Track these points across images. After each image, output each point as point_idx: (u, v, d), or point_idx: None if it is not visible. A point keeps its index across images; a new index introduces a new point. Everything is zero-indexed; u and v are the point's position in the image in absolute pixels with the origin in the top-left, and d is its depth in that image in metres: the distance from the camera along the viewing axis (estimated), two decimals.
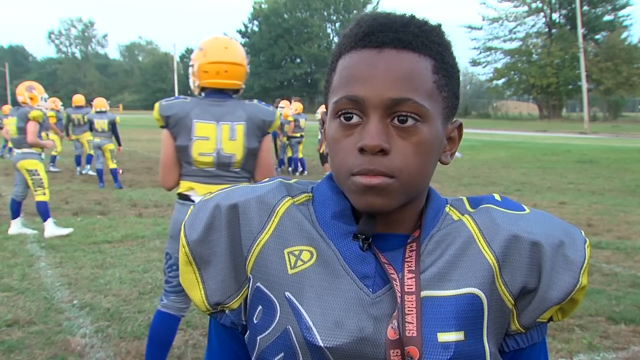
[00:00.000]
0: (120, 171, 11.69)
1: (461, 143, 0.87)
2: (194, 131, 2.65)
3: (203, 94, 2.78)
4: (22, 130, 6.73)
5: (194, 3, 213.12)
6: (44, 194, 6.79)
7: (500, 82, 56.91)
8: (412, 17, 0.78)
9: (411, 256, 0.77)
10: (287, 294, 0.77)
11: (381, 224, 0.79)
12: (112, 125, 11.02)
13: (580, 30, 38.77)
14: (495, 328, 0.78)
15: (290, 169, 13.76)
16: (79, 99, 13.02)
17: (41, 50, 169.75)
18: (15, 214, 6.91)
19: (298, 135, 13.25)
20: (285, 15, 72.30)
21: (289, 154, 13.81)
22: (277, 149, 13.89)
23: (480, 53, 57.55)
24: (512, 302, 0.78)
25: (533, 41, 55.67)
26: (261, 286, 0.79)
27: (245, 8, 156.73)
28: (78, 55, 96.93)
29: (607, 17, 54.79)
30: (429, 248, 0.79)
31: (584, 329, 4.05)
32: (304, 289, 0.77)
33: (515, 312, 0.79)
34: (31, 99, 7.02)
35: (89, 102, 13.42)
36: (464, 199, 0.85)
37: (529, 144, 23.51)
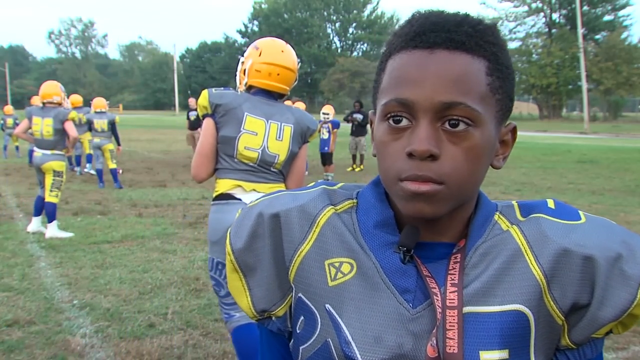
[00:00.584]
0: (120, 171, 11.69)
1: None
2: (244, 124, 2.59)
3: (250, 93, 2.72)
4: (58, 132, 6.74)
5: (194, 3, 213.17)
6: (57, 196, 6.83)
7: None
8: (466, 15, 0.74)
9: (455, 268, 0.74)
10: (328, 306, 0.76)
11: (427, 231, 0.76)
12: (112, 125, 11.02)
13: (580, 30, 38.80)
14: (544, 344, 0.75)
15: None
16: (77, 99, 13.02)
17: (41, 50, 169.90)
18: (39, 211, 6.92)
19: None
20: (285, 15, 72.30)
21: None
22: None
23: None
24: (562, 318, 0.74)
25: (533, 41, 55.71)
26: (302, 297, 0.79)
27: (245, 8, 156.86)
28: (78, 55, 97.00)
29: (607, 17, 54.85)
30: (473, 260, 0.75)
31: None
32: (343, 302, 0.76)
33: (566, 327, 0.75)
34: (64, 99, 7.02)
35: (87, 102, 13.42)
36: (515, 205, 0.81)
37: (529, 144, 23.51)
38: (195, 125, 15.44)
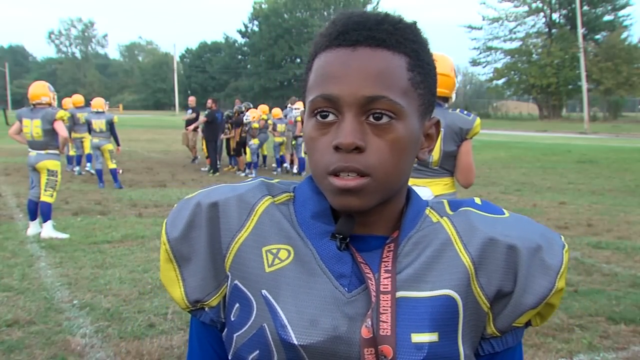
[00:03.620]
0: (120, 171, 11.69)
1: None
2: None
3: None
4: (47, 132, 6.73)
5: (194, 3, 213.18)
6: (52, 195, 6.81)
7: (500, 82, 56.88)
8: (386, 15, 0.78)
9: (388, 256, 0.77)
10: (264, 291, 0.77)
11: (360, 225, 0.79)
12: (110, 126, 11.00)
13: (580, 30, 38.78)
14: (470, 331, 0.78)
15: (284, 167, 13.83)
16: (78, 99, 13.05)
17: (41, 50, 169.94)
18: (34, 215, 6.90)
19: (301, 134, 13.28)
20: (285, 15, 72.31)
21: (281, 152, 13.89)
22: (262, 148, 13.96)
23: (480, 53, 57.47)
24: (488, 305, 0.78)
25: (533, 41, 55.65)
26: (239, 284, 0.79)
27: (245, 8, 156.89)
28: (78, 55, 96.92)
29: (607, 17, 54.76)
30: (406, 249, 0.79)
31: (584, 329, 4.05)
32: (280, 287, 0.77)
33: (490, 315, 0.79)
34: (53, 99, 7.01)
35: (88, 102, 13.42)
36: (445, 201, 0.85)
37: (529, 144, 23.51)
38: (190, 124, 15.45)
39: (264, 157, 14.97)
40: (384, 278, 0.75)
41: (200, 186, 11.16)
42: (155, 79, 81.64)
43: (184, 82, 75.44)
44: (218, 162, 13.57)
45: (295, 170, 13.72)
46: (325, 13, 75.68)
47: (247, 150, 13.38)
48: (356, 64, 0.73)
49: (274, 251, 0.79)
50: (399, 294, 0.75)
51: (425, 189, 3.39)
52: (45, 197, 6.76)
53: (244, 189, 0.83)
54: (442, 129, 2.98)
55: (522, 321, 0.80)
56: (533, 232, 0.79)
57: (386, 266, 0.76)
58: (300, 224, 0.81)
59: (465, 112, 3.26)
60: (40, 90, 6.97)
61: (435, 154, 3.17)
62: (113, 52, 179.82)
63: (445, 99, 3.22)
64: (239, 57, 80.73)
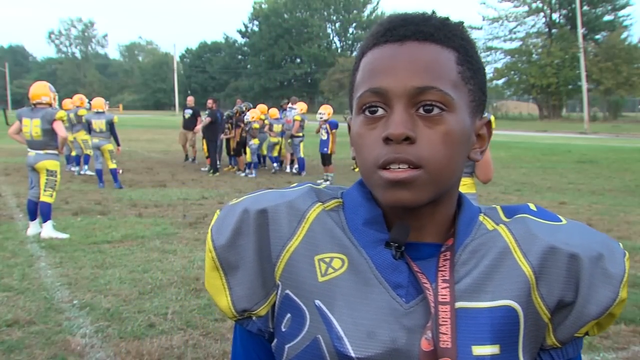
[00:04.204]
0: (120, 171, 11.68)
1: None
2: None
3: None
4: (47, 132, 6.73)
5: (194, 3, 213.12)
6: (52, 195, 6.81)
7: (500, 82, 56.86)
8: (433, 13, 0.77)
9: (445, 265, 0.75)
10: (318, 302, 0.75)
11: (412, 231, 0.76)
12: (110, 126, 10.99)
13: (580, 30, 38.78)
14: (530, 342, 0.75)
15: (276, 166, 13.85)
16: (81, 99, 13.10)
17: (41, 50, 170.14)
18: (34, 215, 6.90)
19: (301, 135, 13.27)
20: (285, 15, 72.29)
21: (274, 153, 13.90)
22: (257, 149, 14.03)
23: (480, 53, 56.80)
24: (549, 315, 0.75)
25: (533, 41, 55.63)
26: (290, 294, 0.77)
27: (245, 8, 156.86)
28: (78, 55, 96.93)
29: (607, 17, 54.76)
30: (463, 258, 0.76)
31: None
32: (335, 298, 0.74)
33: (551, 326, 0.76)
34: (53, 99, 7.00)
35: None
36: (498, 208, 0.82)
37: (529, 144, 23.51)
38: (189, 124, 15.44)
39: (264, 157, 14.97)
40: (442, 288, 0.73)
41: (200, 186, 11.17)
42: (155, 79, 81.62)
43: (184, 82, 75.45)
44: (218, 162, 13.57)
45: (295, 170, 13.71)
46: (325, 13, 75.68)
47: (247, 150, 13.38)
48: (405, 57, 0.72)
49: (327, 260, 0.76)
50: (458, 304, 0.73)
51: None
52: (45, 197, 6.76)
53: (294, 195, 0.80)
54: None
55: (583, 331, 0.77)
56: (594, 240, 0.76)
57: (443, 275, 0.74)
58: (352, 231, 0.78)
59: None
60: (40, 90, 6.97)
61: None
62: (113, 52, 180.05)
63: None
64: (239, 57, 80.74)
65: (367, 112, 0.73)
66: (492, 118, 3.67)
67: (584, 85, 38.10)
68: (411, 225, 0.76)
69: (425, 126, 0.71)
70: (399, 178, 0.70)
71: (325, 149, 12.43)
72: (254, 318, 0.80)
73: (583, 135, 31.09)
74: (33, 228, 6.87)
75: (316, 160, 14.51)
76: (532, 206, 0.82)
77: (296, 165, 13.75)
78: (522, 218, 0.79)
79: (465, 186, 3.72)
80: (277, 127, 13.49)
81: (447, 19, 0.77)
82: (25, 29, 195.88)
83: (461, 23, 0.78)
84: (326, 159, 12.50)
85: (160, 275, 5.25)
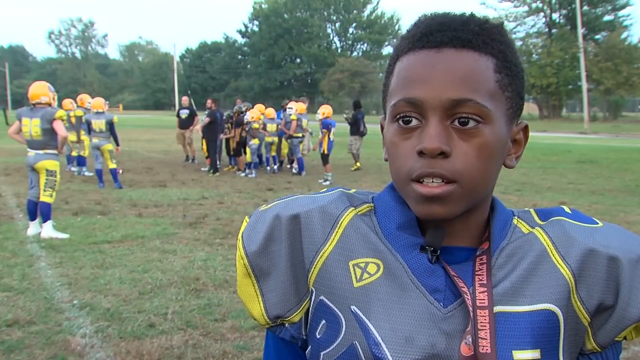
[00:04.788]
0: (120, 171, 11.68)
1: None
2: None
3: None
4: (46, 132, 6.73)
5: (194, 3, 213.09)
6: (51, 195, 6.81)
7: None
8: (472, 15, 0.75)
9: (482, 269, 0.74)
10: (354, 307, 0.74)
11: (446, 236, 0.76)
12: (110, 126, 10.98)
13: (580, 30, 38.77)
14: (570, 347, 0.75)
15: (275, 167, 13.85)
16: (84, 99, 13.15)
17: (41, 50, 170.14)
18: (34, 215, 6.90)
19: (299, 135, 13.27)
20: (285, 15, 72.29)
21: (272, 153, 13.89)
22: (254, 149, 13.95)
23: None
24: (588, 319, 0.74)
25: (533, 41, 55.64)
26: (325, 300, 0.76)
27: (245, 8, 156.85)
28: (78, 55, 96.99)
29: (607, 17, 54.78)
30: (499, 261, 0.75)
31: None
32: (371, 303, 0.74)
33: (590, 330, 0.75)
34: (53, 99, 7.00)
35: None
36: (532, 211, 0.82)
37: (529, 144, 23.23)
38: (185, 124, 15.43)
39: (268, 157, 14.97)
40: (480, 292, 0.72)
41: (200, 186, 11.17)
42: (155, 79, 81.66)
43: (184, 82, 75.34)
44: (218, 162, 13.57)
45: (294, 170, 13.72)
46: (325, 13, 75.69)
47: (247, 150, 13.38)
48: (441, 66, 0.70)
49: (362, 265, 0.75)
50: (497, 308, 0.72)
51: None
52: (45, 197, 6.76)
53: (326, 200, 0.79)
54: None
55: (622, 335, 0.76)
56: (632, 242, 0.75)
57: (481, 279, 0.73)
58: (386, 235, 0.77)
59: None
60: (40, 90, 6.96)
61: None
62: (113, 52, 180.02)
63: None
64: (239, 57, 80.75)
65: (400, 122, 0.72)
66: None
67: (584, 85, 38.10)
68: (445, 231, 0.75)
69: (461, 139, 0.70)
70: (433, 194, 0.69)
71: (320, 149, 12.46)
72: (286, 325, 0.80)
73: (583, 135, 31.10)
74: (33, 228, 6.87)
75: (316, 160, 14.51)
76: (566, 209, 0.81)
77: (295, 165, 13.76)
78: (558, 221, 0.78)
79: None
80: (270, 127, 13.45)
81: (487, 21, 0.74)
82: (25, 29, 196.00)
83: (501, 24, 0.76)
84: (323, 159, 12.51)
85: (160, 275, 5.25)
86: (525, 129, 0.80)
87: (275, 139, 13.67)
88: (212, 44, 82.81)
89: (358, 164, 14.38)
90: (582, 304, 0.74)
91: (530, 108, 61.98)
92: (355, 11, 76.17)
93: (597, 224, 0.78)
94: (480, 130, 0.70)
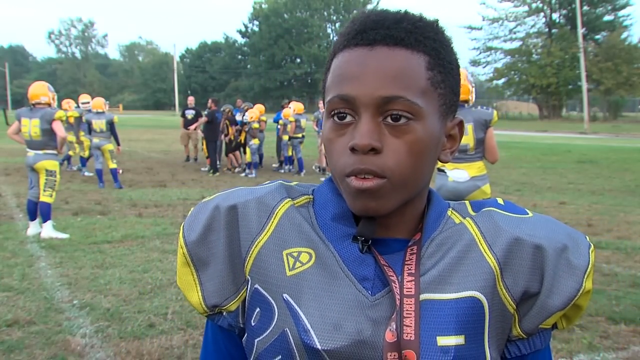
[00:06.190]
0: (121, 171, 11.68)
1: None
2: None
3: None
4: (46, 132, 6.72)
5: (194, 3, 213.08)
6: (51, 195, 6.81)
7: (500, 82, 56.89)
8: (406, 13, 0.76)
9: (411, 259, 0.76)
10: (286, 295, 0.76)
11: (381, 227, 0.77)
12: (111, 126, 10.99)
13: (580, 30, 38.77)
14: (496, 333, 0.77)
15: (289, 167, 13.81)
16: (85, 98, 13.16)
17: (41, 50, 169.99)
18: (33, 215, 6.90)
19: (299, 135, 13.26)
20: (285, 15, 72.27)
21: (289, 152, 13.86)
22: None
23: (480, 53, 57.44)
24: (514, 306, 0.77)
25: (533, 41, 55.64)
26: (259, 288, 0.78)
27: (245, 8, 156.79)
28: (78, 55, 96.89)
29: (607, 17, 54.76)
30: (429, 251, 0.77)
31: (584, 329, 4.05)
32: (302, 291, 0.76)
33: (517, 317, 0.77)
34: (52, 99, 7.00)
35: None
36: (467, 202, 0.84)
37: (529, 144, 23.51)
38: (191, 124, 15.42)
39: (261, 156, 14.97)
40: (408, 281, 0.74)
41: (200, 186, 11.17)
42: (155, 79, 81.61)
43: (184, 82, 75.46)
44: (218, 162, 13.57)
45: (286, 169, 13.72)
46: (325, 13, 75.66)
47: (247, 150, 13.37)
48: (373, 64, 0.71)
49: (295, 254, 0.78)
50: (423, 296, 0.74)
51: (463, 171, 4.42)
52: (45, 198, 6.76)
53: (263, 191, 0.82)
54: (472, 123, 4.11)
55: (549, 323, 0.78)
56: (558, 231, 0.78)
57: (409, 269, 0.75)
58: (320, 226, 0.79)
59: (485, 107, 4.56)
60: (39, 90, 6.96)
61: (471, 142, 4.37)
62: (113, 52, 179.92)
63: (466, 101, 4.39)
64: (239, 57, 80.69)
65: (335, 118, 0.74)
66: (495, 112, 4.44)
67: (584, 85, 38.10)
68: (380, 222, 0.77)
69: (392, 135, 0.72)
70: (364, 187, 0.71)
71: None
72: (224, 313, 0.81)
73: (583, 135, 31.09)
74: (33, 228, 6.87)
75: (315, 160, 14.50)
76: (499, 200, 0.83)
77: (290, 166, 13.76)
78: (489, 211, 0.80)
79: (479, 168, 4.52)
80: (255, 127, 13.37)
81: (421, 19, 0.76)
82: (25, 29, 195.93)
83: (435, 21, 0.77)
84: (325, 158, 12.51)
85: (160, 275, 5.25)
86: (460, 124, 0.81)
87: (257, 140, 13.50)
88: (212, 44, 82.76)
89: None
90: (508, 291, 0.76)
91: (530, 108, 62.03)
92: (355, 11, 76.07)
93: (527, 214, 0.80)
94: (411, 126, 0.72)
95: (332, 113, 0.74)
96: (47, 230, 6.71)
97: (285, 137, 13.54)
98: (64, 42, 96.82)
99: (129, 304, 4.50)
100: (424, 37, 0.73)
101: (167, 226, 7.37)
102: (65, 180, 11.01)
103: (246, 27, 77.78)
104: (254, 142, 13.20)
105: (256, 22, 75.75)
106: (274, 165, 14.64)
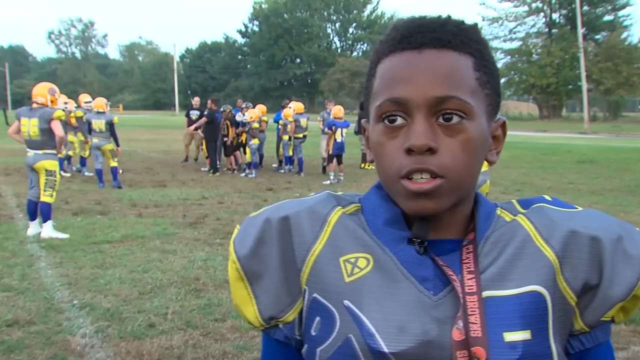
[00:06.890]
0: (121, 171, 11.68)
1: None
2: None
3: None
4: (45, 132, 6.73)
5: (194, 3, 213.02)
6: (52, 195, 6.81)
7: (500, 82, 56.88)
8: (449, 17, 0.78)
9: (469, 257, 0.76)
10: (346, 302, 0.76)
11: (432, 229, 0.78)
12: (110, 126, 10.95)
13: (580, 30, 38.73)
14: (559, 328, 0.77)
15: (289, 167, 13.81)
16: (85, 98, 13.18)
17: (41, 50, 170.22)
18: (34, 215, 6.90)
19: (300, 135, 13.25)
20: (285, 15, 72.30)
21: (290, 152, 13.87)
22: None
23: None
24: (575, 299, 0.77)
25: (533, 41, 55.67)
26: (318, 297, 0.78)
27: (245, 8, 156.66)
28: (78, 55, 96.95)
29: (607, 17, 54.80)
30: (485, 249, 0.78)
31: None
32: (363, 296, 0.76)
33: (578, 310, 0.77)
34: (52, 101, 6.99)
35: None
36: (514, 201, 0.85)
37: (529, 144, 23.51)
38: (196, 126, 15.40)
39: (261, 156, 14.97)
40: (468, 279, 0.74)
41: (200, 186, 11.17)
42: (155, 79, 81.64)
43: (184, 82, 75.42)
44: (218, 162, 13.57)
45: (286, 169, 13.73)
46: (325, 13, 75.68)
47: (247, 150, 13.38)
48: (424, 65, 0.72)
49: (353, 260, 0.78)
50: (485, 293, 0.74)
51: None
52: (45, 197, 6.76)
53: (313, 201, 0.82)
54: None
55: (609, 315, 0.78)
56: (611, 223, 0.78)
57: (468, 267, 0.75)
58: (374, 232, 0.80)
59: None
60: (38, 90, 7.00)
61: None
62: (113, 52, 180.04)
63: None
64: (239, 57, 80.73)
65: (386, 122, 0.74)
66: None
67: (584, 85, 38.07)
68: (431, 223, 0.78)
69: (446, 135, 0.72)
70: (423, 189, 0.72)
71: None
72: (280, 326, 0.81)
73: (583, 135, 31.09)
74: (33, 228, 6.87)
75: (316, 160, 14.50)
76: (547, 197, 0.84)
77: (290, 166, 13.77)
78: (539, 207, 0.81)
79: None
80: (255, 127, 13.38)
81: (463, 22, 0.78)
82: (25, 29, 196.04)
83: (475, 25, 0.79)
84: (328, 159, 12.45)
85: (160, 275, 5.25)
86: (504, 125, 0.82)
87: (257, 140, 13.52)
88: (212, 44, 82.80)
89: (366, 164, 14.30)
90: (568, 284, 0.76)
91: (530, 108, 62.03)
92: (355, 11, 76.16)
93: (577, 208, 0.81)
94: (464, 125, 0.72)
95: (383, 116, 0.74)
96: (47, 230, 6.71)
97: (286, 137, 13.54)
98: (64, 42, 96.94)
99: (129, 304, 4.50)
100: (469, 39, 0.75)
101: (167, 226, 7.37)
102: (65, 180, 11.01)
103: (246, 27, 77.86)
104: (254, 142, 13.20)
105: (256, 22, 75.80)
106: (273, 165, 14.63)
